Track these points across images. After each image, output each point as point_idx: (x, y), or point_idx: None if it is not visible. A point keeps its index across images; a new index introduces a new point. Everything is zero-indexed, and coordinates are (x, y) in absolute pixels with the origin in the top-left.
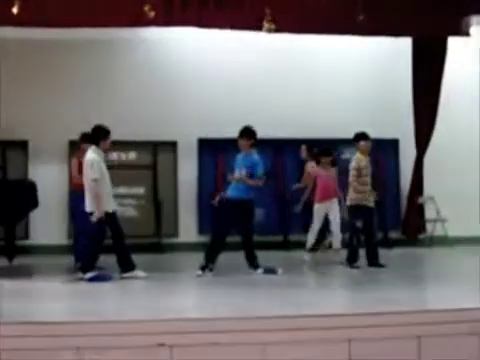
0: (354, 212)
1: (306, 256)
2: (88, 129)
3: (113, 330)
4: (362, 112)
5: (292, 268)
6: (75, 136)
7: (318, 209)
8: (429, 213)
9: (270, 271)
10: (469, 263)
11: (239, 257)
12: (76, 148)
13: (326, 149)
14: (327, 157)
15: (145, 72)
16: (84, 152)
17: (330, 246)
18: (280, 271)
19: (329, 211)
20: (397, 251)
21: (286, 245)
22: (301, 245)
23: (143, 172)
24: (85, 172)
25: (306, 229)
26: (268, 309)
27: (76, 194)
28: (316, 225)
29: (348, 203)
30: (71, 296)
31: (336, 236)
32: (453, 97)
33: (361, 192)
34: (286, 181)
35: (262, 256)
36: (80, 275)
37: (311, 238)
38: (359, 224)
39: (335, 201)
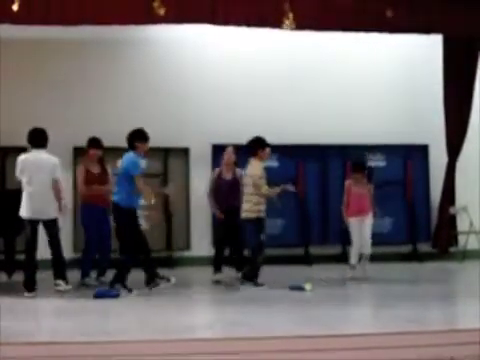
0: (259, 225)
1: (349, 273)
2: (93, 134)
3: (119, 351)
4: (389, 116)
5: (313, 284)
6: (80, 142)
7: (352, 224)
8: (462, 225)
9: (297, 288)
10: None
11: (264, 271)
12: (81, 155)
13: (358, 164)
14: (358, 173)
15: (155, 74)
16: (92, 158)
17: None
18: (308, 287)
19: (362, 223)
20: (427, 265)
21: (307, 259)
22: (322, 259)
23: (153, 181)
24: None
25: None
26: (285, 328)
27: (87, 207)
28: (355, 240)
29: (253, 216)
30: (76, 314)
31: (367, 243)
32: None
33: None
34: (308, 190)
35: (282, 271)
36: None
37: (354, 253)
38: (263, 237)
39: (369, 216)
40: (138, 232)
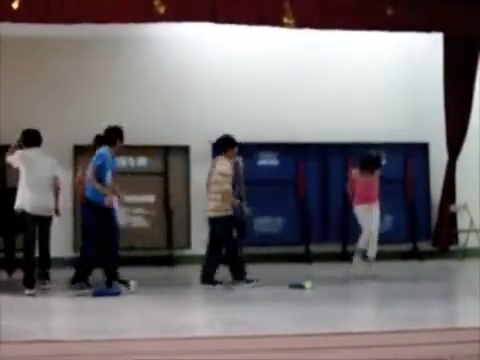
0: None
1: (353, 267)
2: (93, 132)
3: (119, 349)
4: (390, 114)
5: (315, 282)
6: (80, 140)
7: (358, 211)
8: (462, 223)
9: (297, 286)
10: None
11: (260, 269)
12: (81, 153)
13: (366, 163)
14: (365, 170)
15: (155, 72)
16: None
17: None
18: (308, 285)
19: (369, 213)
20: (427, 264)
21: (308, 257)
22: (323, 257)
23: (153, 179)
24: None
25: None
26: (285, 327)
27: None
28: (365, 229)
29: (222, 214)
30: (76, 312)
31: (374, 239)
32: None
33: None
34: (308, 188)
35: (282, 269)
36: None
37: (362, 244)
38: (235, 234)
39: (375, 205)
40: (107, 230)
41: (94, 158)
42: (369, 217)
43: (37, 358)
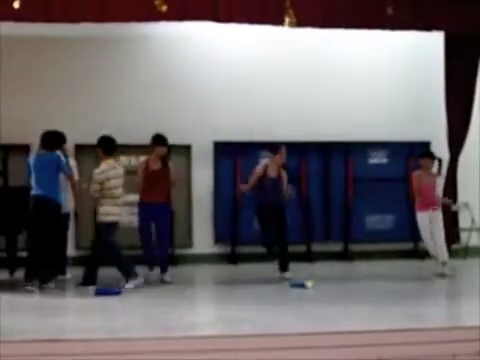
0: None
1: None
2: (96, 131)
3: (122, 348)
4: (391, 113)
5: (317, 281)
6: (82, 139)
7: (419, 218)
8: (463, 221)
9: (298, 285)
10: None
11: (263, 269)
12: (82, 152)
13: (427, 152)
14: (426, 159)
15: (155, 71)
16: (157, 155)
17: None
18: (309, 284)
19: (432, 222)
20: (429, 263)
21: (309, 256)
22: (324, 256)
23: None
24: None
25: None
26: (289, 325)
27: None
28: (425, 237)
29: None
30: (78, 312)
31: (441, 248)
32: None
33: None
34: (310, 186)
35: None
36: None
37: (432, 252)
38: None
39: (439, 210)
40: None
41: (62, 166)
42: (425, 228)
43: (39, 357)
